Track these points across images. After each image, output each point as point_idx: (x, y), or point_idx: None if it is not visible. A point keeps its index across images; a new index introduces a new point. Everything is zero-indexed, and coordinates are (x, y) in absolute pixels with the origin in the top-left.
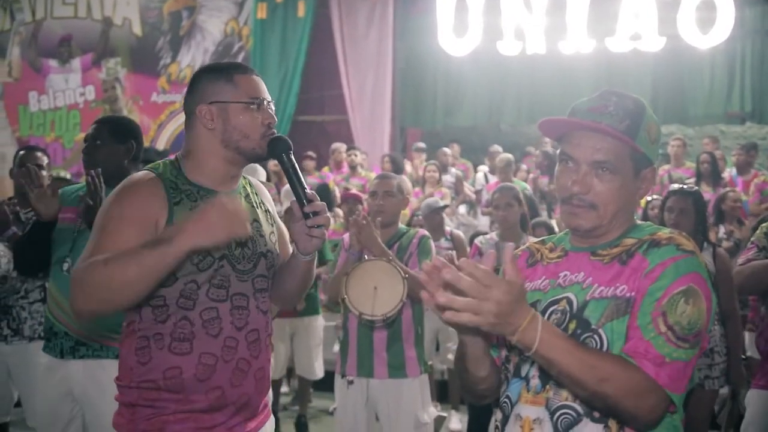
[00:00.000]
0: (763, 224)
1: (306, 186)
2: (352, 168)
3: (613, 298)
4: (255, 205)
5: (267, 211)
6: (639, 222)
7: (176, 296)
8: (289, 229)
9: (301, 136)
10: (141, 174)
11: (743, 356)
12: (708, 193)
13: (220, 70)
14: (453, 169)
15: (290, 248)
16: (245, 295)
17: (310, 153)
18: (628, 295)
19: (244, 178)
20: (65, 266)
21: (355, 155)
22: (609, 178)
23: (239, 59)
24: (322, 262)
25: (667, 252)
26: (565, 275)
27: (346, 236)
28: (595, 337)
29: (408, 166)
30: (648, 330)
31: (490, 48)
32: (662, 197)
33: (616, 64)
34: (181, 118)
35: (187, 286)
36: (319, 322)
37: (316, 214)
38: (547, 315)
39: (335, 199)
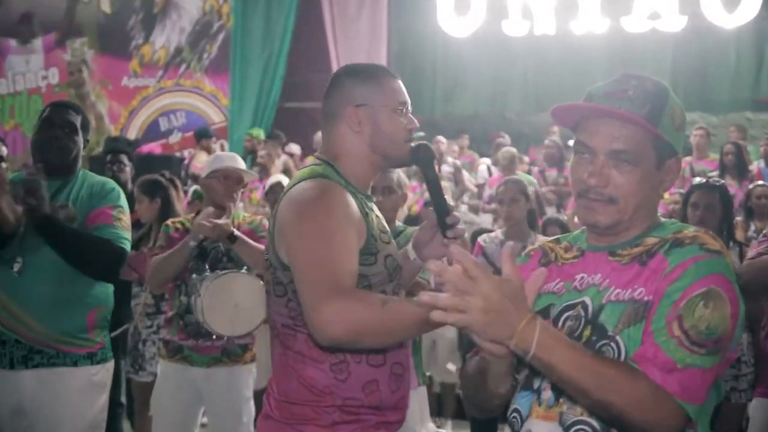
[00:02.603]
0: None
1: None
2: None
3: (630, 301)
4: None
5: None
6: (663, 219)
7: None
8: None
9: (286, 125)
10: (322, 181)
11: None
12: (733, 187)
13: (367, 73)
14: (450, 159)
15: None
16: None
17: (296, 143)
18: (646, 298)
19: None
20: (16, 267)
21: None
22: (629, 170)
23: (218, 40)
24: None
25: (690, 251)
26: (582, 277)
27: None
28: (612, 344)
29: None
30: (660, 334)
31: (494, 28)
32: (684, 192)
33: (632, 46)
34: (157, 103)
35: None
36: None
37: (454, 225)
38: (561, 321)
39: None
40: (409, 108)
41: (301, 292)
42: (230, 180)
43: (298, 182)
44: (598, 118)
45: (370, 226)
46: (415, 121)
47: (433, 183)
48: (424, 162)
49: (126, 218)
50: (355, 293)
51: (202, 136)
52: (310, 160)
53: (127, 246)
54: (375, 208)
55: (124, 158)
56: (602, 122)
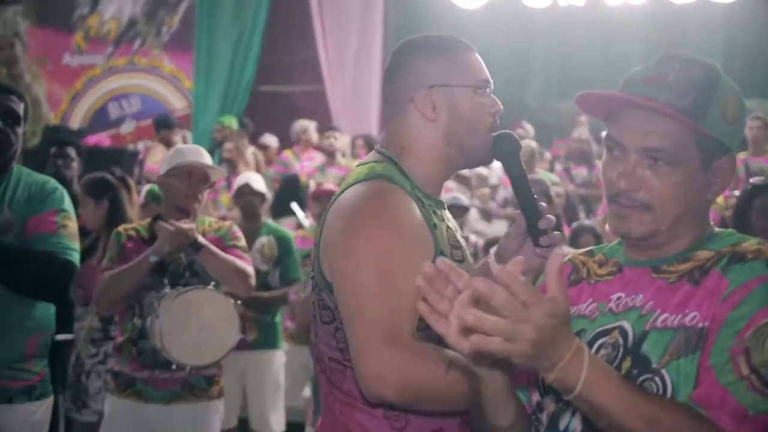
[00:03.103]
0: None
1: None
2: (330, 155)
3: (680, 328)
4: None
5: None
6: (717, 229)
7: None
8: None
9: (262, 112)
10: (380, 183)
11: None
12: None
13: (439, 46)
14: None
15: None
16: None
17: (272, 134)
18: (700, 325)
19: None
20: None
21: (334, 138)
22: (666, 171)
23: (180, 11)
24: (288, 280)
25: (755, 269)
26: (619, 298)
27: None
28: (657, 379)
29: None
30: (725, 372)
31: None
32: (739, 194)
33: (677, 20)
34: (105, 86)
35: None
36: (278, 358)
37: (548, 231)
38: (594, 349)
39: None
40: (492, 87)
41: (349, 335)
42: (194, 178)
43: (353, 184)
44: (632, 109)
45: (438, 241)
46: (499, 103)
47: (519, 180)
48: (509, 155)
49: (72, 224)
50: (414, 346)
51: (162, 125)
52: (369, 156)
53: (75, 258)
54: (448, 216)
55: (72, 151)
56: (635, 114)
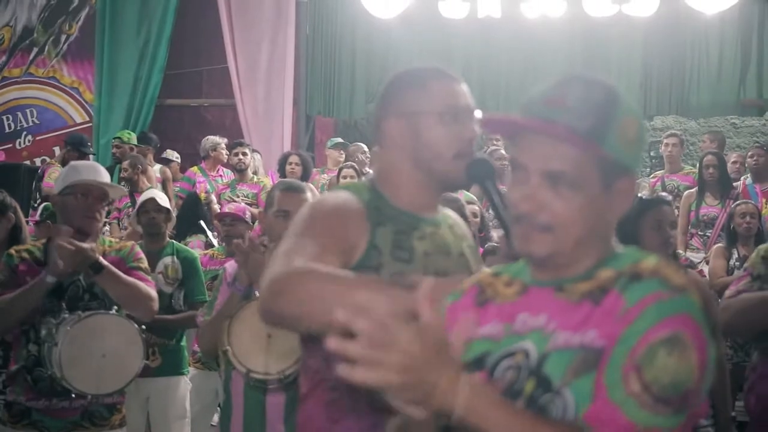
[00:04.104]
0: (762, 246)
1: None
2: (240, 171)
3: (581, 347)
4: (459, 237)
5: (470, 246)
6: (620, 249)
7: None
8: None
9: (168, 127)
10: (342, 191)
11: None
12: (714, 208)
13: (413, 76)
14: (372, 171)
15: None
16: None
17: (179, 150)
18: (598, 343)
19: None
20: None
21: (245, 153)
22: (568, 194)
23: (80, 18)
24: (193, 303)
25: (649, 287)
26: (524, 319)
27: (229, 266)
28: (558, 399)
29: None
30: (616, 390)
31: (428, 8)
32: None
33: (595, 34)
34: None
35: None
36: (183, 385)
37: None
38: (499, 371)
39: (210, 215)
40: (469, 114)
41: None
42: (91, 196)
43: None
44: (531, 131)
45: (375, 236)
46: (474, 129)
47: (497, 205)
48: (483, 179)
49: None
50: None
51: (73, 145)
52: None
53: None
54: (427, 230)
55: None
56: (536, 137)
